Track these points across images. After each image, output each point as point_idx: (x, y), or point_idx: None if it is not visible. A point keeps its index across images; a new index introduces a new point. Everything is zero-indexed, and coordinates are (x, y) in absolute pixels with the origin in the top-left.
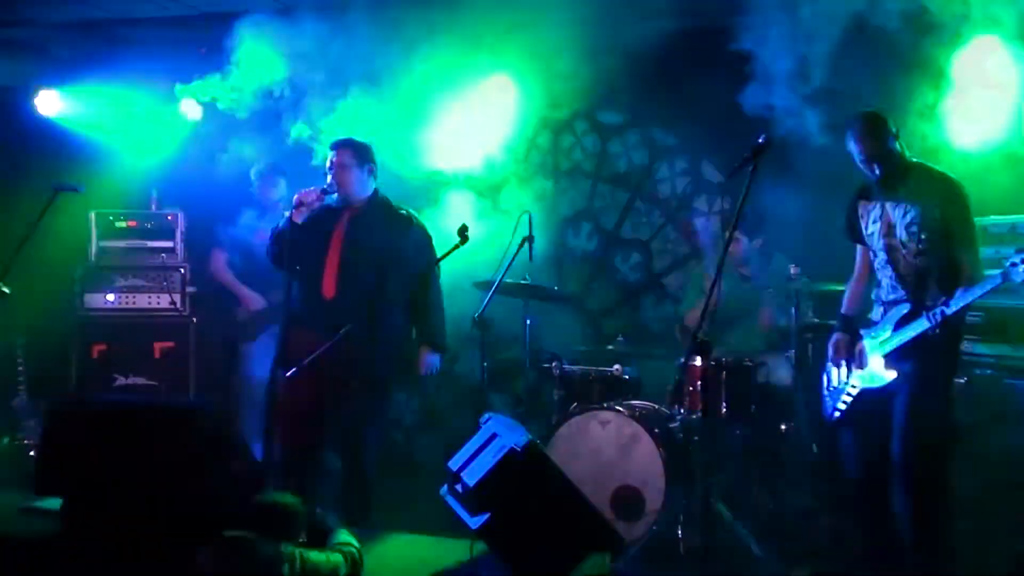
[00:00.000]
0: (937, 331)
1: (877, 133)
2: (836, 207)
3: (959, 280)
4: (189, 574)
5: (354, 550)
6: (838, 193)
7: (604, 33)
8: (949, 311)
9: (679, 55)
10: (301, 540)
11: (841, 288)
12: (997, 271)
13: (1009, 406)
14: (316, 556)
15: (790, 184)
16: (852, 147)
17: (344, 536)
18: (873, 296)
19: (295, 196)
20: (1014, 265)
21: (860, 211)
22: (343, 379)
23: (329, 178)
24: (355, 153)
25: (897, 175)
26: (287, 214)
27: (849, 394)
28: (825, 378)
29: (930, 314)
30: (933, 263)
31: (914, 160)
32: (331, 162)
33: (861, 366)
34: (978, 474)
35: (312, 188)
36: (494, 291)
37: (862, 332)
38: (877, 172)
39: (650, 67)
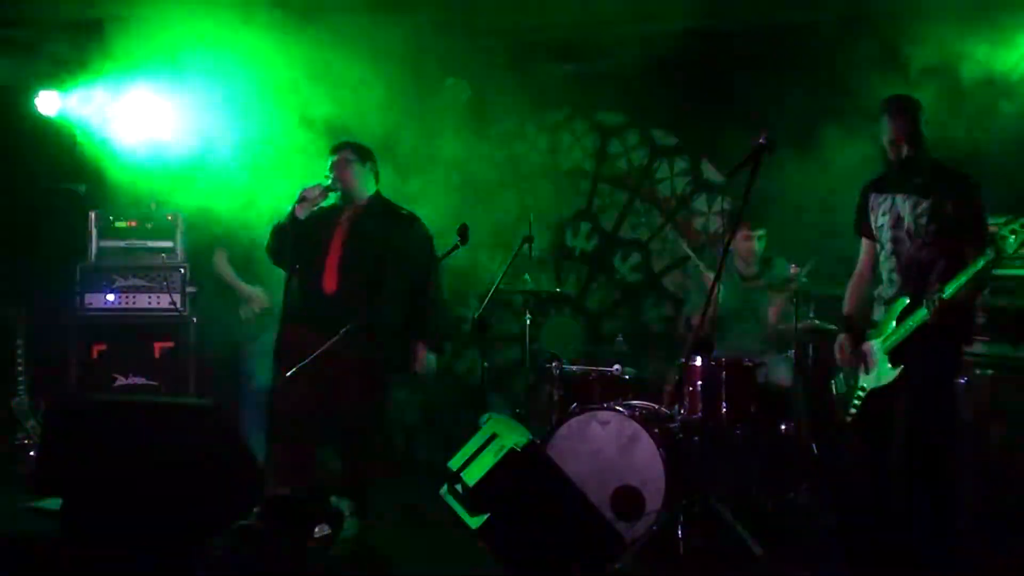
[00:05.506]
0: (935, 318)
1: (911, 113)
2: (838, 207)
3: None
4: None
5: (362, 550)
6: (839, 193)
7: (605, 33)
8: (945, 295)
9: (680, 55)
10: (316, 533)
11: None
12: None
13: (1009, 406)
14: (323, 554)
15: (792, 184)
16: (884, 124)
17: (353, 528)
18: (875, 294)
19: (299, 191)
20: (1003, 238)
21: (871, 203)
22: (342, 377)
23: (331, 177)
24: (356, 151)
25: (917, 164)
26: (289, 208)
27: (859, 396)
28: (834, 383)
29: (928, 301)
30: (937, 256)
31: (933, 157)
32: (333, 162)
33: (868, 368)
34: (978, 474)
35: (315, 184)
36: (493, 291)
37: (865, 335)
38: (904, 153)
39: (651, 67)
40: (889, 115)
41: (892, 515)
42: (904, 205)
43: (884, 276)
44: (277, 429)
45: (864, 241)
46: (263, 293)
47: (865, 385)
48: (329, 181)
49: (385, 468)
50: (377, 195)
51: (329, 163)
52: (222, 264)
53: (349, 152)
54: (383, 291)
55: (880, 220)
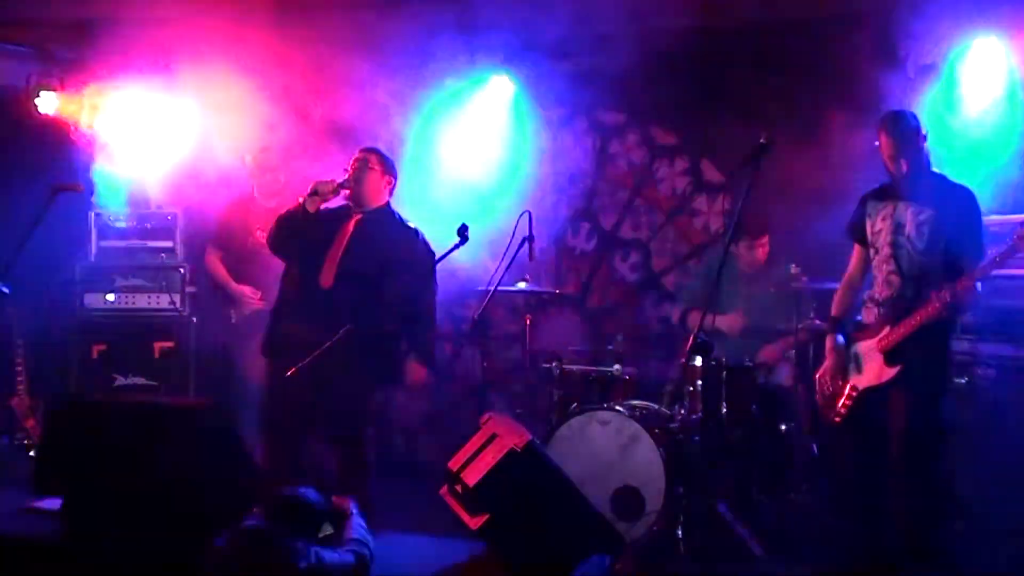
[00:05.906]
0: (936, 318)
1: (907, 130)
2: (840, 204)
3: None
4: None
5: (366, 551)
6: (842, 190)
7: (605, 32)
8: (951, 295)
9: (680, 53)
10: (322, 533)
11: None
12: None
13: (1010, 406)
14: (330, 555)
15: (793, 182)
16: (882, 142)
17: (359, 529)
18: (865, 296)
19: (311, 184)
20: (1021, 237)
21: (869, 209)
22: (337, 377)
23: (348, 175)
24: (381, 159)
25: (919, 177)
26: (300, 200)
27: (850, 396)
28: (822, 383)
29: (932, 301)
30: (938, 261)
31: (934, 170)
32: (355, 161)
33: (858, 370)
34: (978, 474)
35: (329, 179)
36: (493, 291)
37: (856, 336)
38: (904, 170)
39: (651, 66)
40: (886, 133)
41: (886, 514)
42: (905, 212)
43: (880, 278)
44: (270, 426)
45: (856, 247)
46: (254, 292)
47: (857, 385)
48: (344, 179)
49: (382, 468)
50: (387, 206)
51: (351, 161)
52: (214, 263)
53: (374, 159)
54: (379, 296)
55: (878, 225)
